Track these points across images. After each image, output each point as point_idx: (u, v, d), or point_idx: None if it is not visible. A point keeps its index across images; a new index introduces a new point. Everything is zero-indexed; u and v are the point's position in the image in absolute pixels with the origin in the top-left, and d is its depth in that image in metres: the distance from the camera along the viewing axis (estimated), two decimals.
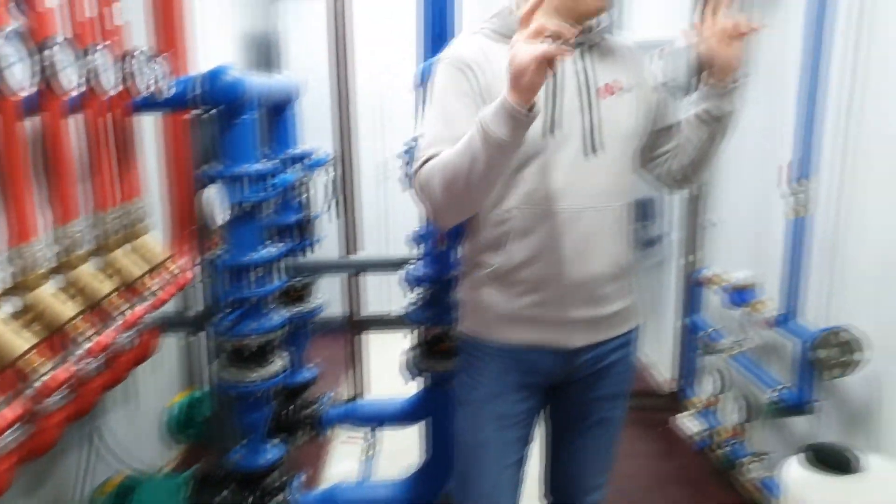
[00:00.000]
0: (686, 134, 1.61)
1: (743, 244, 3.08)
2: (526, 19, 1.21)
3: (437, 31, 2.31)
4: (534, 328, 1.57)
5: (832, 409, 2.42)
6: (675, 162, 1.66)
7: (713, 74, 1.51)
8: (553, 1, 1.44)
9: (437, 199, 1.38)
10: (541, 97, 1.31)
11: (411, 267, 2.51)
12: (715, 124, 1.55)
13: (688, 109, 1.60)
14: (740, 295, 2.79)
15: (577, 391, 1.68)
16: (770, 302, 2.65)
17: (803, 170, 2.37)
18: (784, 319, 2.51)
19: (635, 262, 1.67)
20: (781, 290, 2.54)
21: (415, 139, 2.42)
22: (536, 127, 1.37)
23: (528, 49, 1.19)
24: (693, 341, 3.35)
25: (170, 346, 3.04)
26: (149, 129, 2.47)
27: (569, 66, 1.47)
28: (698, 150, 1.60)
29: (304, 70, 3.62)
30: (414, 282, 2.46)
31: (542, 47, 1.17)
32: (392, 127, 4.74)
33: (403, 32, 4.47)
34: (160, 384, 3.01)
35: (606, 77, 1.51)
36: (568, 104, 1.46)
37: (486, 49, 1.46)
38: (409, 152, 2.40)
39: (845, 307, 2.36)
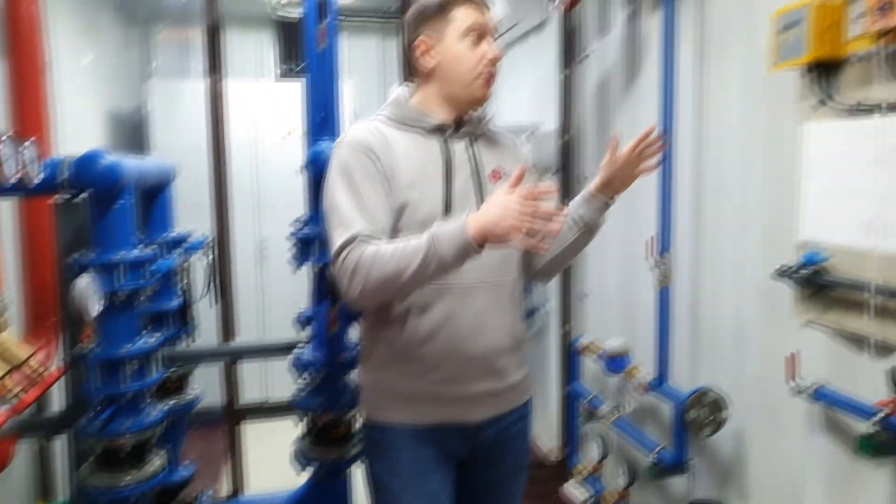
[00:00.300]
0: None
1: (615, 313, 3.29)
2: (529, 196, 1.31)
3: (323, 116, 2.36)
4: (438, 406, 1.58)
5: (705, 467, 2.59)
6: (538, 256, 1.70)
7: (605, 189, 1.62)
8: (442, 91, 1.58)
9: (367, 287, 1.40)
10: (439, 181, 1.50)
11: (299, 351, 2.45)
12: (586, 231, 1.65)
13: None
14: (615, 362, 2.95)
15: (481, 467, 1.69)
16: (643, 367, 2.82)
17: (664, 244, 2.61)
18: (657, 383, 2.68)
19: (528, 334, 1.74)
20: (653, 355, 2.72)
21: (304, 221, 2.45)
22: (436, 207, 1.51)
23: (516, 228, 1.29)
24: (575, 409, 3.48)
25: (18, 452, 2.71)
26: (4, 216, 2.28)
27: (460, 153, 1.58)
28: (564, 249, 1.68)
29: (177, 150, 3.53)
30: (303, 366, 2.40)
31: (529, 241, 1.31)
32: (269, 206, 4.68)
33: (278, 113, 4.58)
34: (5, 498, 2.66)
35: (493, 164, 1.63)
36: (461, 187, 1.55)
37: (387, 135, 1.54)
38: (299, 234, 2.38)
39: (709, 369, 2.58)
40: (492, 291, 1.58)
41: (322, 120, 2.37)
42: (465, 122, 1.62)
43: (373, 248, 1.40)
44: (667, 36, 2.55)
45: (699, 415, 2.41)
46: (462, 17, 1.54)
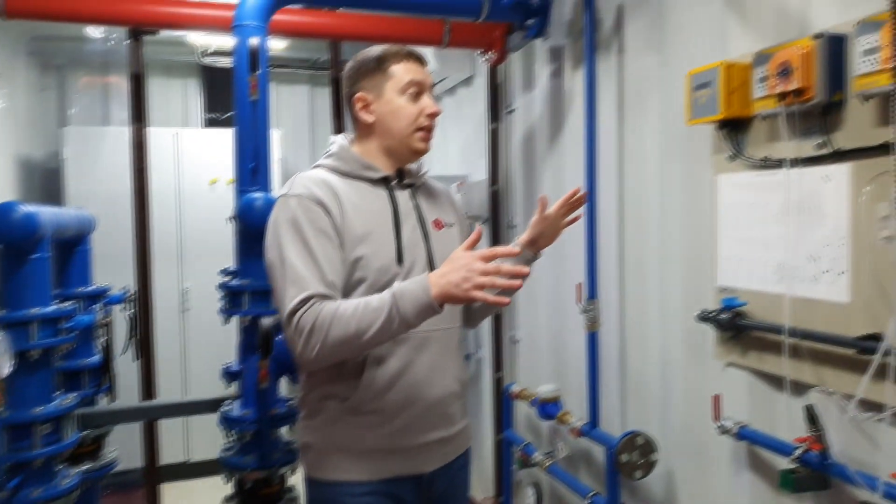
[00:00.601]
0: None
1: (546, 358, 3.33)
2: (490, 256, 1.34)
3: (254, 166, 2.34)
4: (394, 458, 1.55)
5: None
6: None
7: (532, 245, 1.71)
8: (382, 144, 1.60)
9: (325, 347, 1.37)
10: (390, 232, 1.52)
11: (227, 407, 2.36)
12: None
13: None
14: (548, 408, 2.98)
15: None
16: (575, 412, 2.86)
17: (591, 290, 2.69)
18: (589, 428, 2.72)
19: (469, 379, 1.75)
20: (584, 400, 2.77)
21: (233, 272, 2.39)
22: (389, 259, 1.51)
23: (478, 287, 1.31)
24: (509, 456, 3.47)
25: None
26: None
27: (405, 203, 1.61)
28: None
29: (95, 200, 3.40)
30: (232, 423, 2.31)
31: (492, 298, 1.35)
32: (193, 257, 4.54)
33: (203, 161, 4.49)
34: None
35: (434, 213, 1.67)
36: (410, 237, 1.57)
37: (335, 186, 1.52)
38: (229, 285, 2.32)
39: (639, 412, 2.64)
40: (443, 338, 1.60)
41: (253, 170, 2.35)
42: (405, 173, 1.65)
43: (331, 307, 1.38)
44: (589, 91, 2.68)
45: (631, 458, 2.45)
46: (401, 73, 1.56)
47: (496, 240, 3.70)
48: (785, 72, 1.70)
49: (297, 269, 1.41)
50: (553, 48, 3.14)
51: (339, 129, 4.26)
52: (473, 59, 3.89)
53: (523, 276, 1.42)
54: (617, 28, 2.67)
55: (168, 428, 3.68)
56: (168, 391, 3.86)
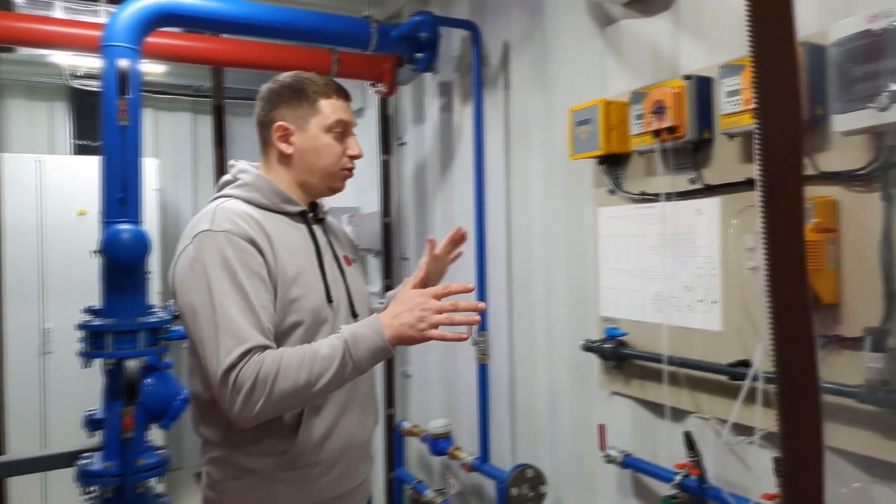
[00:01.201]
0: None
1: (437, 393, 3.29)
2: (442, 294, 1.30)
3: (122, 196, 2.17)
4: None
5: None
6: None
7: (423, 285, 1.59)
8: (298, 177, 1.48)
9: (270, 402, 1.23)
10: (316, 270, 1.43)
11: (86, 461, 2.13)
12: None
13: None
14: (439, 443, 2.93)
15: None
16: (466, 447, 2.83)
17: (482, 322, 2.68)
18: (480, 463, 2.69)
19: None
20: (475, 434, 2.74)
21: (95, 310, 2.18)
22: (320, 298, 1.41)
23: (434, 325, 1.26)
24: (401, 495, 3.37)
25: None
26: None
27: (322, 239, 1.51)
28: None
29: None
30: (91, 478, 2.08)
31: (450, 336, 1.28)
32: (56, 294, 4.15)
33: (71, 191, 4.16)
34: None
35: (341, 250, 1.58)
36: (330, 273, 1.48)
37: (261, 222, 1.38)
38: (90, 326, 2.11)
39: (528, 444, 2.64)
40: (367, 376, 1.48)
41: (121, 200, 2.18)
42: (318, 206, 1.57)
43: (273, 358, 1.24)
44: (477, 126, 2.72)
45: (521, 491, 2.44)
46: (329, 110, 1.47)
47: (389, 272, 3.65)
48: (659, 110, 1.78)
49: (232, 318, 1.25)
50: (442, 82, 3.17)
51: (220, 158, 4.09)
52: (364, 91, 3.87)
53: (481, 311, 1.35)
54: (503, 65, 2.73)
55: (22, 483, 3.30)
56: (23, 442, 3.48)
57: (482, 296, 2.69)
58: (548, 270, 2.49)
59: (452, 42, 3.05)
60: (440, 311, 1.27)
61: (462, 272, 2.83)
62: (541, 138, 2.52)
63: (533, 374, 2.60)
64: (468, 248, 2.83)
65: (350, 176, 1.53)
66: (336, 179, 1.51)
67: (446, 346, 3.18)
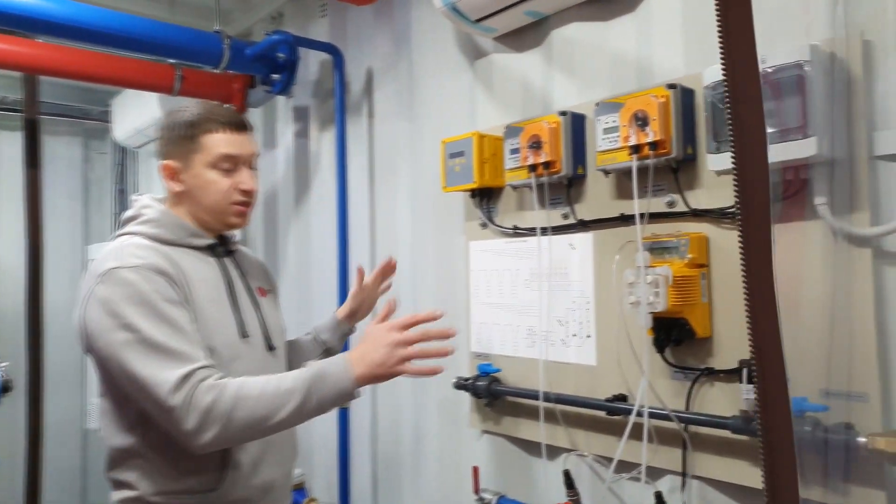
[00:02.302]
0: (298, 349, 1.69)
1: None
2: (408, 325, 1.26)
3: None
4: None
5: None
6: None
7: (350, 318, 1.70)
8: (194, 214, 1.43)
9: (228, 430, 1.19)
10: (227, 304, 1.39)
11: None
12: (324, 353, 1.67)
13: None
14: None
15: None
16: (323, 497, 2.62)
17: None
18: None
19: None
20: (336, 482, 2.55)
21: None
22: (232, 330, 1.37)
23: (405, 359, 1.23)
24: None
25: None
26: None
27: (233, 271, 1.47)
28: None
29: None
30: None
31: (423, 369, 1.25)
32: None
33: None
34: None
35: (254, 282, 1.54)
36: (245, 307, 1.45)
37: (171, 257, 1.34)
38: None
39: (392, 489, 2.49)
40: None
41: None
42: (227, 239, 1.52)
43: (233, 385, 1.20)
44: (340, 154, 2.58)
45: None
46: (212, 145, 1.39)
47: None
48: (536, 145, 1.77)
49: (165, 345, 1.20)
50: (298, 107, 3.01)
51: (34, 181, 3.57)
52: None
53: (452, 337, 1.31)
54: (367, 92, 2.63)
55: None
56: None
57: None
58: (415, 306, 2.39)
59: (311, 66, 2.91)
60: (410, 343, 1.24)
61: (323, 308, 2.66)
62: (408, 169, 2.44)
63: (398, 415, 2.47)
64: (328, 283, 2.68)
65: (245, 211, 1.45)
66: (227, 215, 1.43)
67: None
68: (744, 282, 0.80)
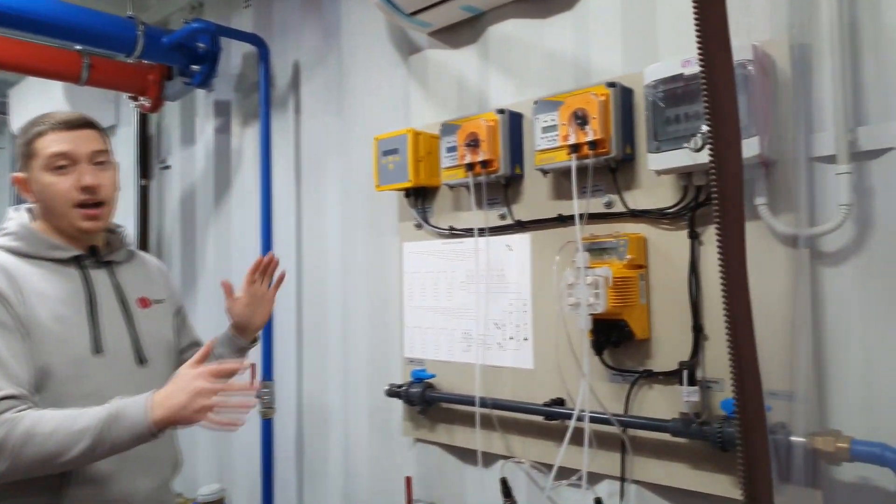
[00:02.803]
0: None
1: (207, 455, 2.86)
2: (216, 374, 1.24)
3: None
4: None
5: None
6: None
7: (243, 332, 1.60)
8: (53, 223, 1.39)
9: (19, 465, 1.17)
10: (84, 318, 1.34)
11: None
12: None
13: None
14: None
15: None
16: None
17: (267, 369, 2.38)
18: None
19: None
20: (259, 497, 2.41)
21: None
22: (83, 345, 1.33)
23: (206, 409, 1.20)
24: None
25: None
26: None
27: (103, 283, 1.42)
28: None
29: None
30: None
31: (221, 421, 1.21)
32: None
33: None
34: None
35: (139, 291, 1.49)
36: (109, 321, 1.39)
37: (12, 271, 1.30)
38: None
39: (319, 503, 2.38)
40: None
41: None
42: (101, 248, 1.46)
43: (28, 420, 1.18)
44: (264, 151, 2.46)
45: None
46: (43, 147, 1.37)
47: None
48: (473, 143, 1.72)
49: None
50: (219, 101, 2.85)
51: None
52: (118, 105, 3.36)
53: (257, 393, 1.34)
54: (293, 86, 2.52)
55: None
56: None
57: (267, 340, 2.40)
58: (345, 310, 2.30)
59: (233, 58, 2.76)
60: (212, 394, 1.22)
61: None
62: (338, 167, 2.34)
63: (326, 425, 2.36)
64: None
65: (93, 213, 1.39)
66: (74, 219, 1.38)
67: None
68: (722, 282, 0.76)
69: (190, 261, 2.98)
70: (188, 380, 1.23)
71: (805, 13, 1.34)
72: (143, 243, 3.16)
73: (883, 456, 1.18)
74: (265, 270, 1.62)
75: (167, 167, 3.18)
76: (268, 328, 2.39)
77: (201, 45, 2.50)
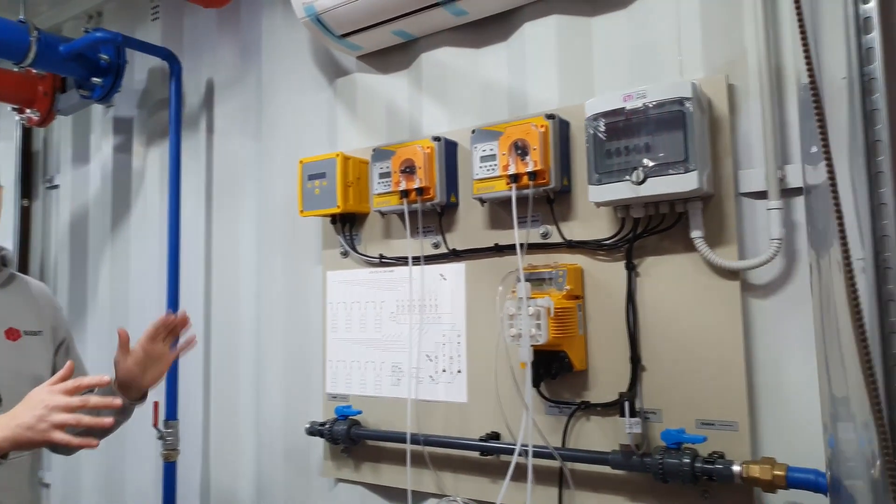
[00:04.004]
0: None
1: (97, 502, 2.58)
2: (72, 390, 1.13)
3: None
4: None
5: None
6: None
7: (127, 389, 1.40)
8: None
9: None
10: None
11: None
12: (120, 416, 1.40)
13: None
14: None
15: None
16: None
17: (171, 408, 2.19)
18: None
19: None
20: None
21: None
22: None
23: (57, 426, 1.10)
24: None
25: None
26: None
27: None
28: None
29: None
30: None
31: (75, 440, 1.11)
32: None
33: None
34: None
35: (8, 321, 1.39)
36: None
37: None
38: None
39: None
40: (12, 464, 1.33)
41: None
42: None
43: None
44: (174, 173, 2.29)
45: None
46: None
47: None
48: (409, 169, 1.68)
49: None
50: (120, 118, 2.65)
51: None
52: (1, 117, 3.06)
53: (116, 410, 1.22)
54: (206, 106, 2.38)
55: None
56: None
57: (172, 376, 2.21)
58: (259, 344, 2.16)
59: (137, 73, 2.59)
60: (68, 409, 1.12)
61: None
62: (255, 192, 2.22)
63: (236, 468, 2.19)
64: (152, 319, 2.34)
65: None
66: None
67: (112, 441, 2.52)
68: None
69: (80, 292, 2.72)
70: (41, 396, 1.13)
71: (730, 54, 1.40)
72: (23, 269, 2.86)
73: (817, 482, 1.22)
74: (172, 330, 1.42)
75: (55, 187, 2.91)
76: (174, 363, 2.20)
77: (104, 56, 2.31)
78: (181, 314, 1.44)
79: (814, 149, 0.96)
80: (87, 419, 1.12)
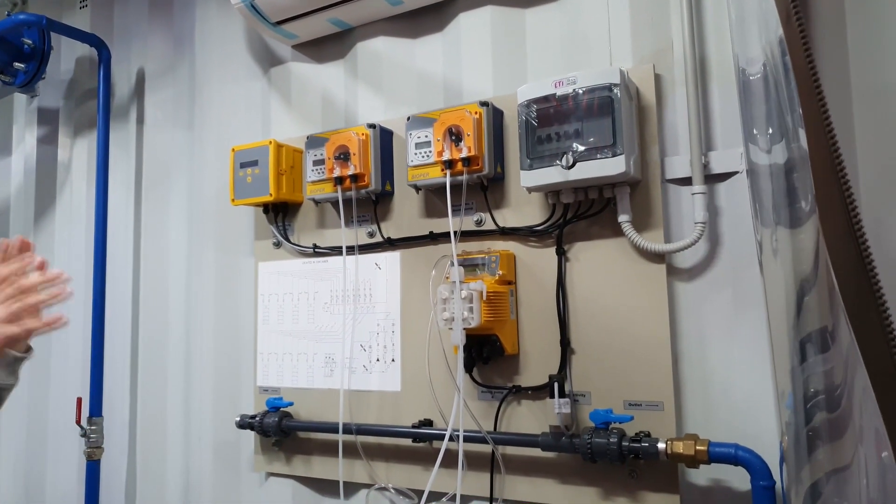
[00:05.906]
0: None
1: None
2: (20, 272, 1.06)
3: None
4: None
5: None
6: None
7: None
8: None
9: None
10: None
11: None
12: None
13: None
14: None
15: None
16: None
17: (95, 404, 2.10)
18: None
19: None
20: None
21: None
22: None
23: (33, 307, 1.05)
24: None
25: None
26: None
27: None
28: None
29: None
30: None
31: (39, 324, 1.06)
32: None
33: None
34: None
35: None
36: None
37: None
38: None
39: None
40: None
41: None
42: None
43: None
44: (102, 165, 2.20)
45: None
46: None
47: None
48: (343, 156, 1.66)
49: None
50: (44, 108, 2.54)
51: None
52: None
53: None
54: (137, 95, 2.31)
55: None
56: None
57: (96, 371, 2.12)
58: (189, 338, 2.10)
59: (63, 62, 2.50)
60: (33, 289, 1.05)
61: (71, 343, 2.24)
62: (185, 183, 2.16)
63: (163, 464, 2.11)
64: (79, 313, 2.25)
65: None
66: None
67: (31, 440, 2.40)
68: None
69: None
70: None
71: (657, 45, 1.45)
72: None
73: (736, 455, 1.26)
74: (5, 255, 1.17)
75: None
76: (97, 357, 2.11)
77: (28, 41, 2.22)
78: (18, 238, 1.19)
79: (770, 130, 0.98)
80: (55, 290, 1.07)
